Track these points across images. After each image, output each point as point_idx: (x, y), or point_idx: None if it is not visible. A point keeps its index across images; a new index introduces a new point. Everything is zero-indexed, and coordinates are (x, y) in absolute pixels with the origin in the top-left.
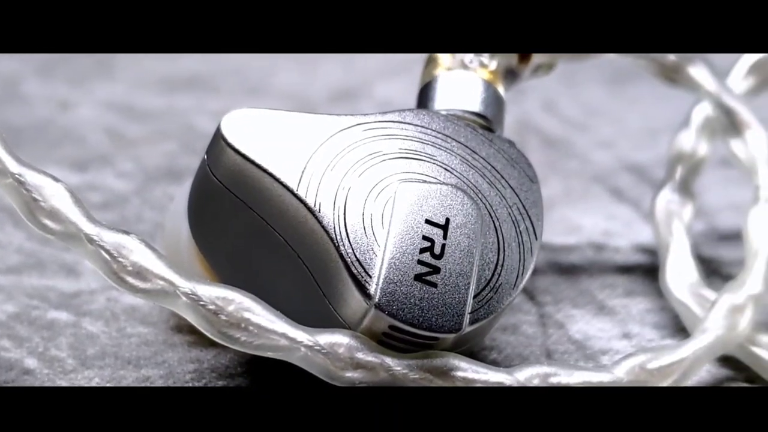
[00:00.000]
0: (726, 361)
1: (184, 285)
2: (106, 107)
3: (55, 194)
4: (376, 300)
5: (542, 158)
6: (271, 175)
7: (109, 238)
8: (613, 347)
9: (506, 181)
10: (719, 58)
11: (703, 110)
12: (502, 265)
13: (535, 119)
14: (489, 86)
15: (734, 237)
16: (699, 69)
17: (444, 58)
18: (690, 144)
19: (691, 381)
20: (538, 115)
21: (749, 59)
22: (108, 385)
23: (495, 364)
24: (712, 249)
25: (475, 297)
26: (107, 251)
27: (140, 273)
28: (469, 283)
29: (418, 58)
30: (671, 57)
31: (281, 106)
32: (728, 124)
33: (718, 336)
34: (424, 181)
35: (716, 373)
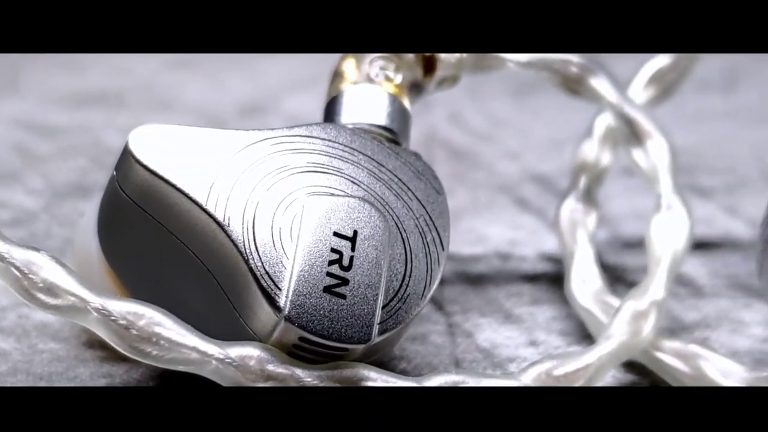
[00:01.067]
0: (631, 366)
1: (95, 300)
2: (14, 124)
3: None
4: (286, 312)
5: (449, 170)
6: (179, 190)
7: (19, 254)
8: (521, 355)
9: (413, 193)
10: (620, 69)
11: (605, 120)
12: (410, 276)
13: (442, 131)
14: (395, 100)
15: (637, 244)
16: (600, 80)
17: (350, 72)
18: (593, 154)
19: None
20: (444, 127)
21: (649, 70)
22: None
23: (404, 373)
24: (615, 256)
25: (383, 308)
26: (17, 268)
27: (51, 289)
28: (377, 294)
29: (324, 73)
30: (573, 69)
31: (189, 121)
32: (629, 133)
33: (623, 342)
34: (332, 195)
35: (622, 379)
